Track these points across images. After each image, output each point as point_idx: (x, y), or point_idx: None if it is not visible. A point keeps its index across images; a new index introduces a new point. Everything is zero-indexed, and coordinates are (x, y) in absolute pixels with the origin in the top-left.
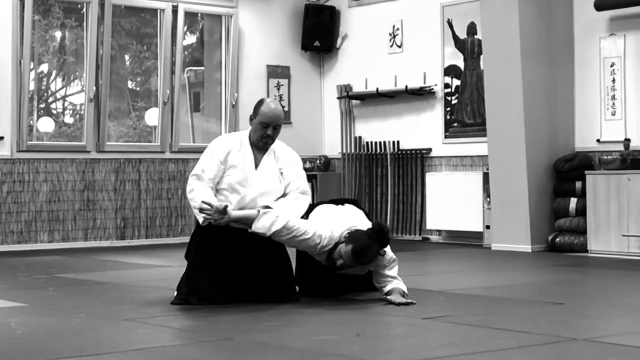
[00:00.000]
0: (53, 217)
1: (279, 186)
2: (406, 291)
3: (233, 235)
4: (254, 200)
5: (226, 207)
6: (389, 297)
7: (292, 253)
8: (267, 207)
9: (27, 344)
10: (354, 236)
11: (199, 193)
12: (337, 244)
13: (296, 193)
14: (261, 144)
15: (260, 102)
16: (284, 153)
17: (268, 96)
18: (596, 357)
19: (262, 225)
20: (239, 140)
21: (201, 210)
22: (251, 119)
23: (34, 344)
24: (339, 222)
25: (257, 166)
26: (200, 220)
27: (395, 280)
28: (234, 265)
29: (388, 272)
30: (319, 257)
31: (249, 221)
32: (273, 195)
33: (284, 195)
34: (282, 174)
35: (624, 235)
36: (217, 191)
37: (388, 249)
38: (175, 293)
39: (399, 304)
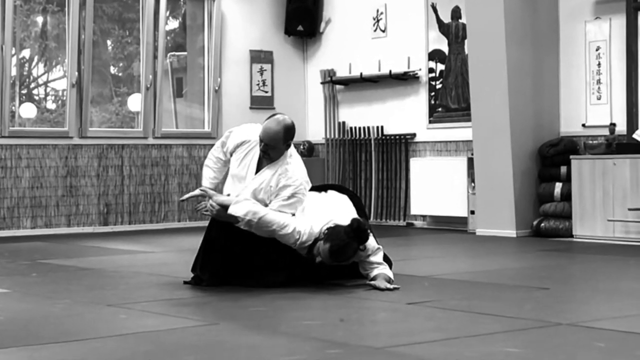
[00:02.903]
0: (35, 203)
1: (265, 200)
2: (391, 277)
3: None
4: None
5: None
6: (372, 282)
7: None
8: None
9: (9, 330)
10: (332, 233)
11: (208, 161)
12: (316, 240)
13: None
14: (263, 154)
15: (271, 115)
16: (287, 174)
17: (251, 82)
18: (581, 341)
19: (240, 209)
20: (256, 138)
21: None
22: None
23: (17, 329)
24: (318, 216)
25: (257, 171)
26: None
27: (380, 266)
28: (236, 256)
29: (372, 259)
30: (299, 251)
31: (227, 207)
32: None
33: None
34: (271, 189)
35: (609, 220)
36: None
37: (371, 240)
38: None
39: (383, 289)
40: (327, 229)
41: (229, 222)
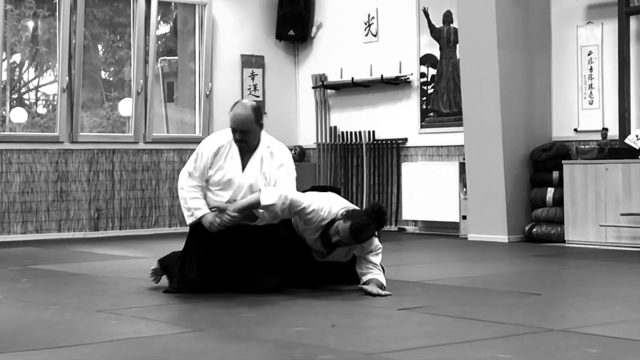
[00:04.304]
0: (26, 208)
1: (261, 187)
2: (384, 283)
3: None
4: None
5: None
6: (365, 287)
7: None
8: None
9: (0, 336)
10: (352, 214)
11: (189, 194)
12: (333, 221)
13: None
14: (237, 145)
15: (233, 105)
16: (273, 154)
17: (242, 86)
18: (573, 347)
19: (271, 197)
20: (228, 139)
21: (220, 211)
22: None
23: (7, 335)
24: (334, 201)
25: (243, 167)
26: (189, 221)
27: (375, 270)
28: (226, 255)
29: (372, 258)
30: (310, 236)
31: (254, 204)
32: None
33: None
34: (265, 177)
35: (601, 225)
36: (207, 188)
37: (376, 239)
38: (168, 282)
39: (375, 294)
40: (346, 211)
41: (245, 223)
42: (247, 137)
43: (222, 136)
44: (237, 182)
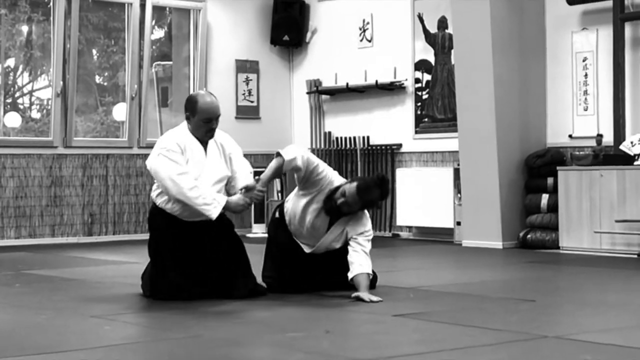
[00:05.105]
0: (19, 213)
1: (228, 172)
2: (370, 272)
3: (192, 233)
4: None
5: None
6: (356, 294)
7: (261, 250)
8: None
9: None
10: (359, 177)
11: (200, 190)
12: (337, 188)
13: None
14: (207, 137)
15: (194, 100)
16: (225, 140)
17: (236, 91)
18: (567, 354)
19: (291, 152)
20: (186, 135)
21: (247, 190)
22: (188, 118)
23: (0, 340)
24: (338, 176)
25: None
26: (215, 213)
27: (363, 259)
28: (197, 263)
29: (362, 241)
30: (316, 204)
31: (278, 168)
32: (224, 182)
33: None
34: (230, 159)
35: (595, 232)
36: None
37: (367, 220)
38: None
39: (367, 301)
40: (350, 179)
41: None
42: (217, 124)
43: (180, 135)
44: (204, 173)
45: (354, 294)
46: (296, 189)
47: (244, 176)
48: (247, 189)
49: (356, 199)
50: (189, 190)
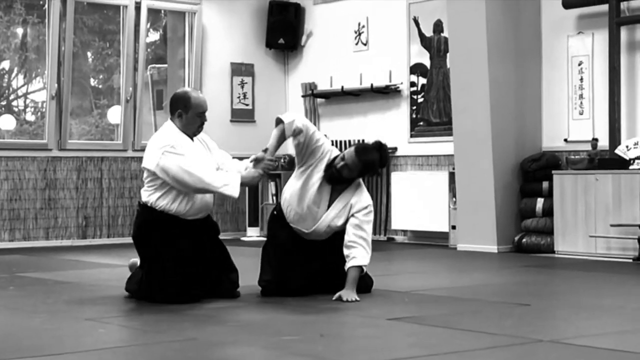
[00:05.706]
0: (14, 216)
1: (216, 165)
2: (365, 263)
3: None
4: None
5: (264, 150)
6: (339, 294)
7: (257, 253)
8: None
9: None
10: (358, 144)
11: (214, 172)
12: (335, 158)
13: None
14: (198, 132)
15: (185, 96)
16: (203, 135)
17: (232, 94)
18: (562, 358)
19: (289, 115)
20: (177, 132)
21: (257, 161)
22: (180, 115)
23: None
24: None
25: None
26: (236, 192)
27: (356, 251)
28: (197, 263)
29: (362, 217)
30: (317, 174)
31: (280, 135)
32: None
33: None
34: (210, 150)
35: (590, 236)
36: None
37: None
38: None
39: (344, 301)
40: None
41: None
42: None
43: (175, 134)
44: (209, 161)
45: (335, 295)
46: (293, 175)
47: (231, 162)
48: (257, 161)
49: (355, 160)
50: (206, 177)
